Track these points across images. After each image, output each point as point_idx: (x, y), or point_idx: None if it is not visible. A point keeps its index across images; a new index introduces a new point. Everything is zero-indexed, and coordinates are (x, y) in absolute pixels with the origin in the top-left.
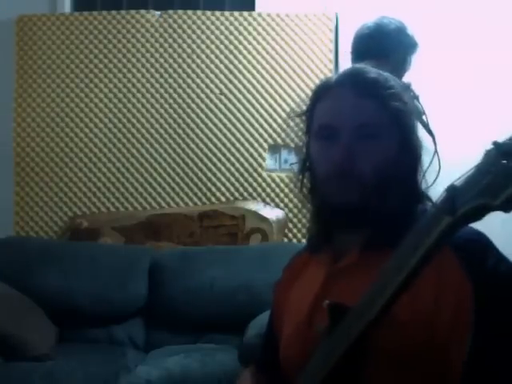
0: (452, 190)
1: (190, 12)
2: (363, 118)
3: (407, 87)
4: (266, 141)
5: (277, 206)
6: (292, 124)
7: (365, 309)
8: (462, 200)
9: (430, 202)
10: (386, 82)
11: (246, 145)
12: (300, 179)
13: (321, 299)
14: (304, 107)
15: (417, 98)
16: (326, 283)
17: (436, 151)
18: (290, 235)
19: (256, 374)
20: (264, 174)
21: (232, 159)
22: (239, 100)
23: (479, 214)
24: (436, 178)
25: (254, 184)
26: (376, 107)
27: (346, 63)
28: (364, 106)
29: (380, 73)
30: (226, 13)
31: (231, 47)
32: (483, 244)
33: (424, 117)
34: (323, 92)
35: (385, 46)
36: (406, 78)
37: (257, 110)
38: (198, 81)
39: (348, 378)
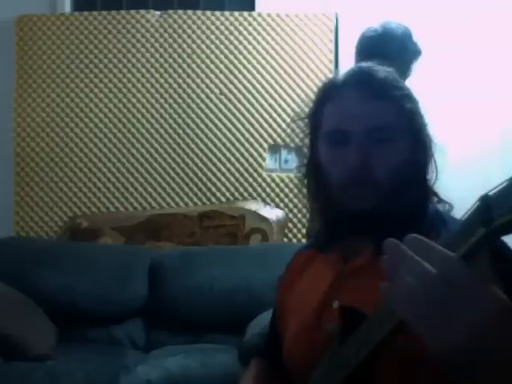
0: (486, 200)
1: (189, 12)
2: (377, 121)
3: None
4: (266, 141)
5: (277, 206)
6: (293, 125)
7: (387, 314)
8: (498, 211)
9: (437, 197)
10: (395, 81)
11: (246, 145)
12: (305, 184)
13: (329, 299)
14: (304, 107)
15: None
16: (335, 283)
17: (432, 155)
18: (290, 235)
19: (261, 366)
20: (264, 174)
21: (232, 159)
22: (239, 100)
23: None
24: (435, 179)
25: (254, 184)
26: (389, 109)
27: (346, 63)
28: (377, 108)
29: (388, 71)
30: (226, 13)
31: (231, 47)
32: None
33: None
34: (330, 93)
35: (391, 50)
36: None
37: (257, 110)
38: (198, 81)
39: (366, 381)
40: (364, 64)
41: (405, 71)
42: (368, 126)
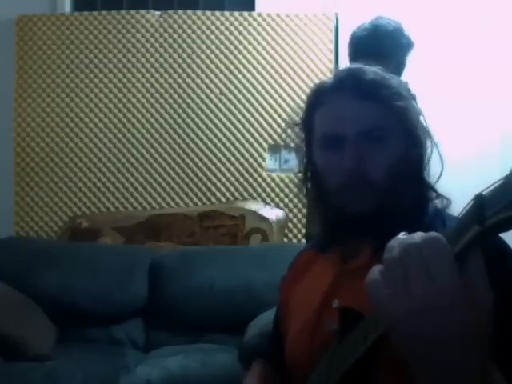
0: (480, 199)
1: (189, 12)
2: (368, 122)
3: (404, 84)
4: (266, 141)
5: (277, 206)
6: (288, 129)
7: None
8: (491, 210)
9: (435, 192)
10: (384, 81)
11: (246, 145)
12: (304, 188)
13: (330, 298)
14: (295, 116)
15: (414, 98)
16: (335, 283)
17: (426, 150)
18: (290, 235)
19: (265, 368)
20: (264, 174)
21: (232, 159)
22: (239, 100)
23: (509, 225)
24: (439, 176)
25: (254, 184)
26: (379, 109)
27: (345, 63)
28: (367, 110)
29: (376, 72)
30: (226, 13)
31: (231, 47)
32: (500, 243)
33: (421, 117)
34: (320, 98)
35: (384, 47)
36: (402, 78)
37: (257, 110)
38: (198, 81)
39: (361, 380)
40: (351, 66)
41: (399, 66)
42: (360, 129)
